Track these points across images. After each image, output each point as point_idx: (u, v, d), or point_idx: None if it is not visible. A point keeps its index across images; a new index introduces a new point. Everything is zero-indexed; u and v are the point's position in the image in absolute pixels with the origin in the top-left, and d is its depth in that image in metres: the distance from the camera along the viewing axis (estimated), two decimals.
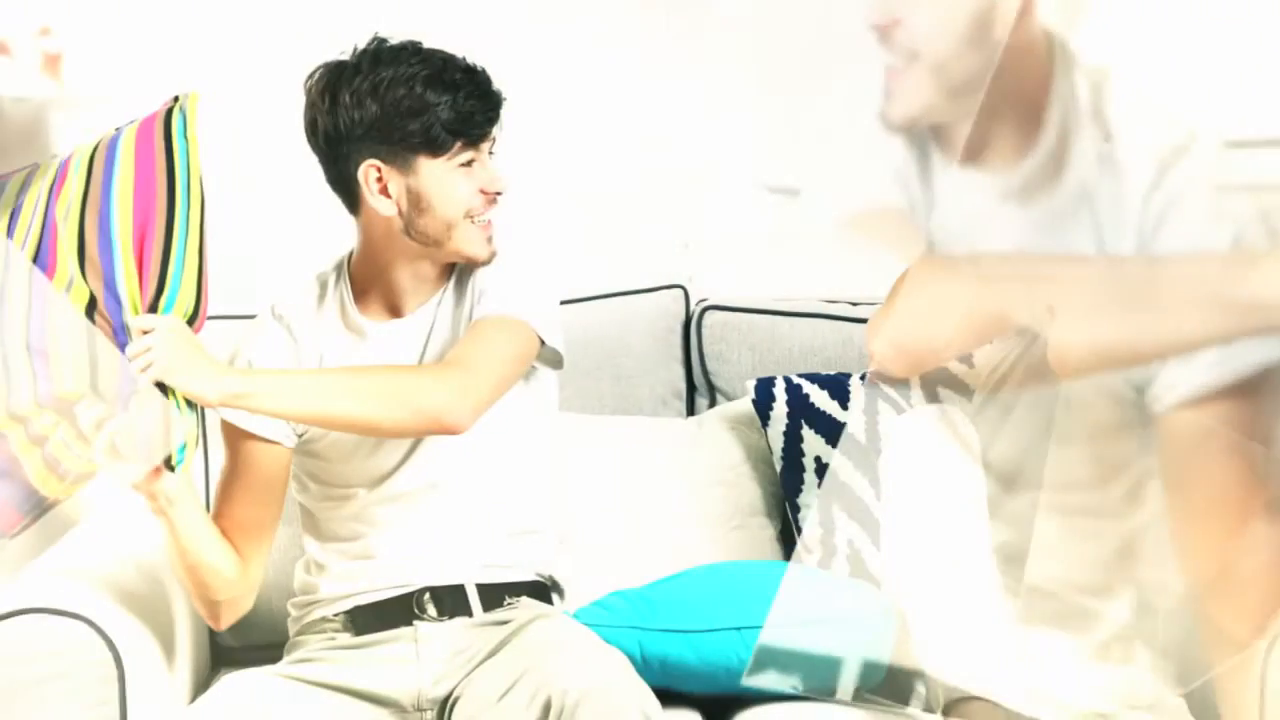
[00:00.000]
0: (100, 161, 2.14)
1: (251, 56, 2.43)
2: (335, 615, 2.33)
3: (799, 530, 2.64)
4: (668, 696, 2.29)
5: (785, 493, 2.66)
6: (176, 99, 2.20)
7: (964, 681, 2.14)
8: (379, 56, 2.25)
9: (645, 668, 2.34)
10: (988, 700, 2.13)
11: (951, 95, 1.97)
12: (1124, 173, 1.92)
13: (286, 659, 2.33)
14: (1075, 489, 1.82)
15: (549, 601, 2.36)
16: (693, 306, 2.88)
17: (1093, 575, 1.82)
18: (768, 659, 2.15)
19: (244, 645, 2.66)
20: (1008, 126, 1.99)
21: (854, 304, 2.83)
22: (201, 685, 2.50)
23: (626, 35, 3.07)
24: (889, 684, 2.39)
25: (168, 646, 2.36)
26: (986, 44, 1.90)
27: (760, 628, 2.33)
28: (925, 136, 2.03)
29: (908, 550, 2.22)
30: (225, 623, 2.36)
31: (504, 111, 2.30)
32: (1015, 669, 1.89)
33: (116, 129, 2.18)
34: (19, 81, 2.02)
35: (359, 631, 2.31)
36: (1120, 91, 1.90)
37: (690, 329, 2.86)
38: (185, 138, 2.16)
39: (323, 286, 2.38)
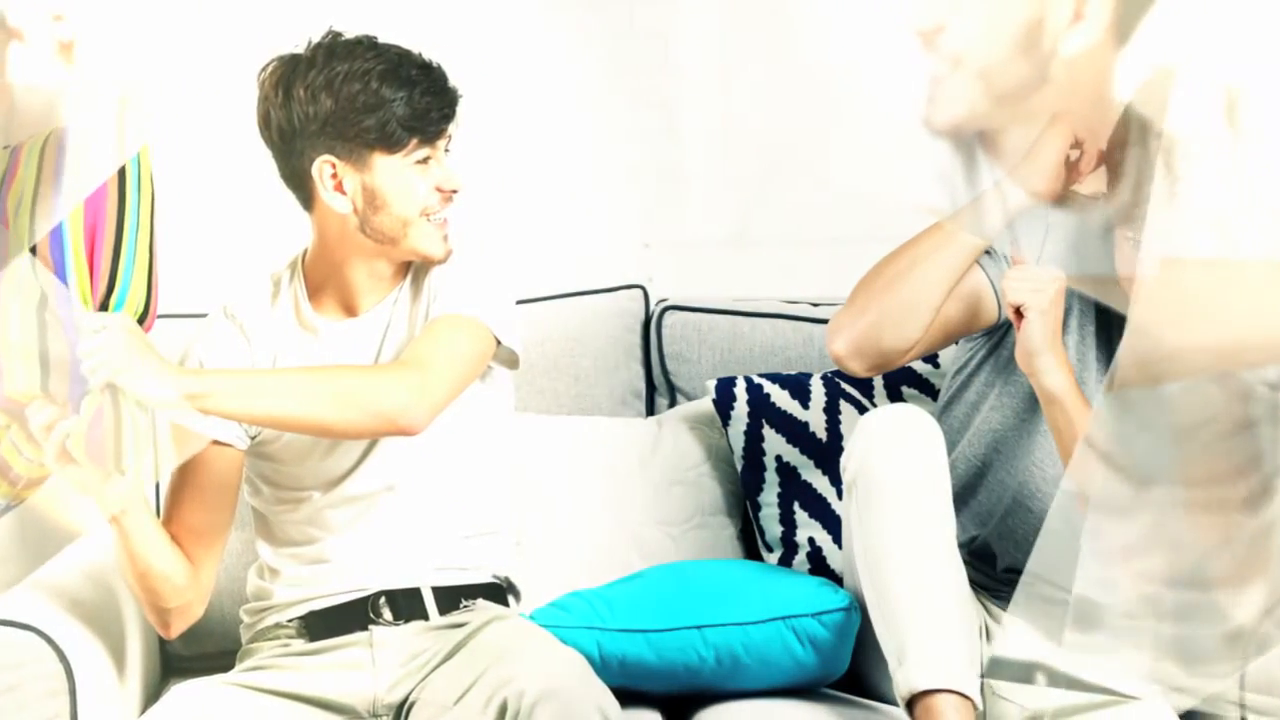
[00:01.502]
0: (51, 155, 2.10)
1: (262, 47, 2.41)
2: (289, 621, 2.31)
3: (760, 529, 2.63)
4: (627, 696, 2.28)
5: (746, 492, 2.66)
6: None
7: (931, 675, 2.13)
8: (333, 50, 2.23)
9: (604, 668, 2.32)
10: (952, 692, 2.12)
11: (999, 102, 1.96)
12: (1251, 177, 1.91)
13: (239, 667, 2.30)
14: (1206, 485, 1.82)
15: (505, 603, 2.34)
16: (652, 306, 2.88)
17: (1223, 569, 1.81)
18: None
19: (195, 654, 2.63)
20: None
21: (815, 304, 2.84)
22: (152, 696, 2.47)
23: (590, 32, 3.07)
24: (853, 678, 2.40)
25: (118, 657, 2.33)
26: (1035, 52, 1.90)
27: (720, 625, 2.33)
28: (971, 139, 2.03)
29: (871, 547, 2.21)
30: (176, 631, 2.32)
31: (461, 108, 2.28)
32: (1152, 660, 1.88)
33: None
34: (32, 69, 1.98)
35: (313, 637, 2.28)
36: (1250, 104, 1.89)
37: (650, 329, 2.86)
38: None
39: (276, 285, 2.36)
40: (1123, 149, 2.09)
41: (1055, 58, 1.91)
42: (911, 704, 2.14)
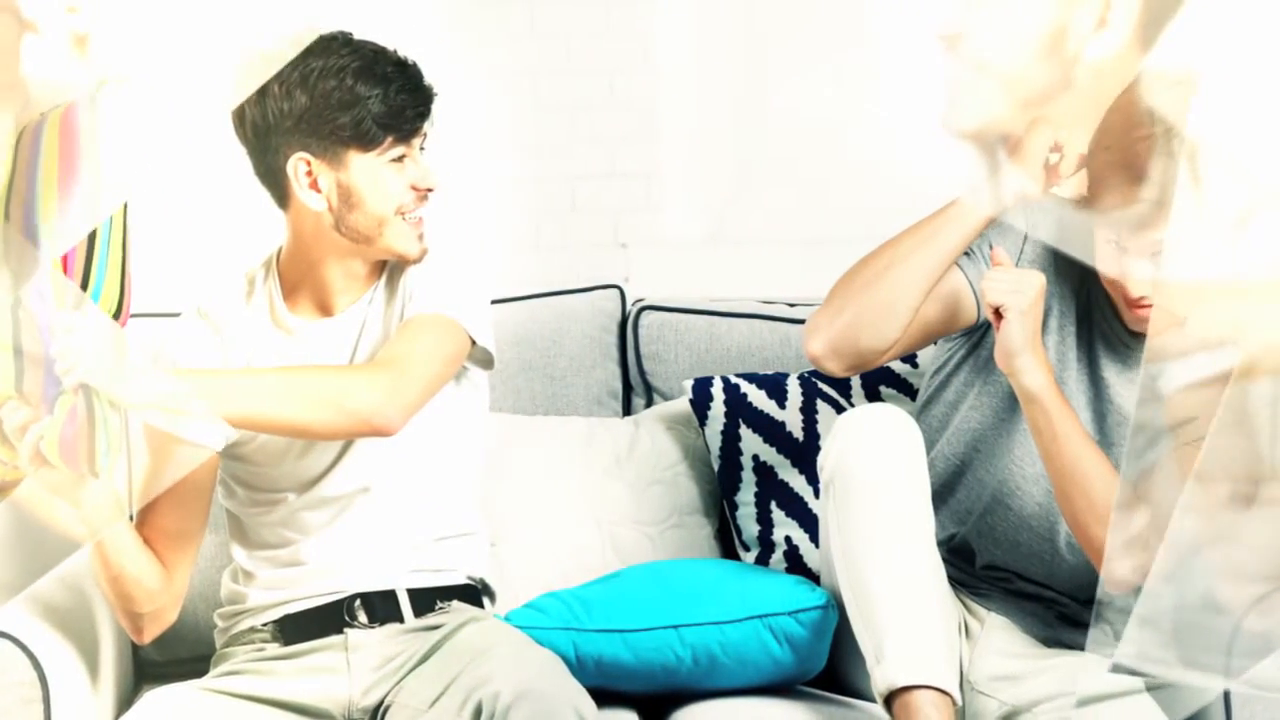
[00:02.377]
0: (25, 149, 2.07)
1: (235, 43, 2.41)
2: (264, 625, 2.29)
3: (737, 529, 2.63)
4: (604, 696, 2.27)
5: (723, 491, 2.65)
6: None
7: (910, 672, 2.12)
8: (309, 46, 2.20)
9: (580, 668, 2.32)
10: (931, 688, 2.12)
11: (1022, 107, 1.96)
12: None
13: (212, 672, 2.28)
14: (1276, 481, 1.81)
15: (480, 605, 2.33)
16: (629, 306, 2.88)
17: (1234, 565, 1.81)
18: None
19: (168, 659, 2.61)
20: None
21: (791, 304, 2.84)
22: (125, 702, 2.45)
23: (565, 30, 3.06)
24: (831, 675, 2.39)
25: (92, 663, 2.31)
26: (1059, 57, 1.88)
27: (698, 625, 2.32)
28: (994, 143, 2.02)
29: (849, 545, 2.21)
30: (149, 636, 2.30)
31: (436, 106, 2.26)
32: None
33: (41, 114, 2.12)
34: (46, 61, 1.96)
35: (288, 641, 2.26)
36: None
37: (626, 329, 2.85)
38: None
39: (251, 284, 2.34)
40: (1103, 153, 2.09)
41: (1079, 63, 1.90)
42: (890, 700, 2.14)
